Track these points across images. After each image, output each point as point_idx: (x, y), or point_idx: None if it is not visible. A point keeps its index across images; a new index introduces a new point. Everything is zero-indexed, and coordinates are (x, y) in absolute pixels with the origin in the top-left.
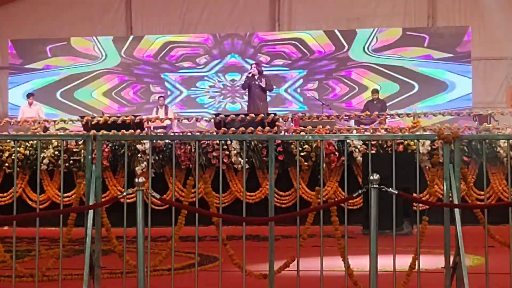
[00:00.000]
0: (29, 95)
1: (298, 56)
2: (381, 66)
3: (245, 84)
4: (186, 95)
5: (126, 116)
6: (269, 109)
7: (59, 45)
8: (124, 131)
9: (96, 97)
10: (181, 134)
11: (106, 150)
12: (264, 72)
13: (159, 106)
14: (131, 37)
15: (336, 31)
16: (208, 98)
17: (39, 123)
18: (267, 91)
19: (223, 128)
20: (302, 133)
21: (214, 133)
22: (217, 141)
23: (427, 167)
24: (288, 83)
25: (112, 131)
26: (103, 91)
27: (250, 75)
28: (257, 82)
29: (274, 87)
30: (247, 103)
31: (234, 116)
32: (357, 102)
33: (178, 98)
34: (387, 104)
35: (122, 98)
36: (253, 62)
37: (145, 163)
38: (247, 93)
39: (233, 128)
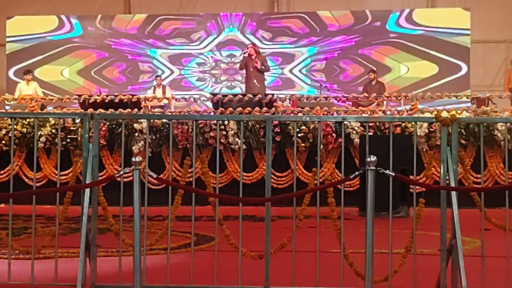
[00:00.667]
0: (26, 72)
1: (306, 32)
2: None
3: (242, 64)
4: (178, 75)
5: (124, 95)
6: (275, 92)
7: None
8: (121, 110)
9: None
10: (178, 113)
11: (103, 129)
12: (266, 50)
13: (156, 86)
14: None
15: None
16: (200, 79)
17: (36, 101)
18: (264, 72)
19: (220, 108)
20: (300, 114)
21: (212, 113)
22: (215, 121)
23: (424, 150)
24: (293, 63)
25: (110, 109)
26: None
27: (246, 55)
28: (254, 63)
29: (273, 67)
30: (244, 84)
31: (231, 96)
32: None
33: (169, 78)
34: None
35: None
36: (250, 42)
37: (142, 142)
38: (244, 74)
39: (230, 109)
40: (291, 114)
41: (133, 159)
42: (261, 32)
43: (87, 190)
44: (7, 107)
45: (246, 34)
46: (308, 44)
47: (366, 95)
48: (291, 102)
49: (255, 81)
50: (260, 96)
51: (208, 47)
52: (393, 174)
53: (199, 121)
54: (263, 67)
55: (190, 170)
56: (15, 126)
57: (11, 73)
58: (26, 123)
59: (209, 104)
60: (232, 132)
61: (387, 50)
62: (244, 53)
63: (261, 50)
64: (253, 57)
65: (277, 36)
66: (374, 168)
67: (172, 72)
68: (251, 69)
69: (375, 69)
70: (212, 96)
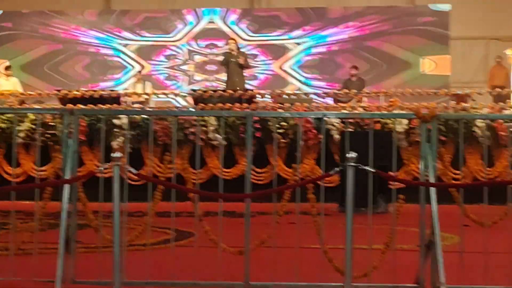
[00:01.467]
0: (7, 68)
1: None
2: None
3: (224, 61)
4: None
5: (103, 91)
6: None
7: None
8: (101, 105)
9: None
10: (158, 109)
11: (83, 124)
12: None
13: (136, 81)
14: None
15: None
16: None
17: (15, 96)
18: (245, 68)
19: (200, 104)
20: (280, 110)
21: (192, 109)
22: (195, 117)
23: (404, 146)
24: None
25: (89, 105)
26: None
27: (230, 51)
28: (235, 59)
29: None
30: (225, 80)
31: (212, 92)
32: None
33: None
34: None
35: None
36: (230, 37)
37: (122, 138)
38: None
39: (210, 104)
40: (272, 110)
41: (113, 154)
42: (246, 23)
43: (67, 186)
44: None
45: (228, 24)
46: (303, 35)
47: (346, 91)
48: (271, 97)
49: (236, 78)
50: (241, 92)
51: (184, 39)
52: (373, 170)
53: (179, 117)
54: (245, 63)
55: (170, 166)
56: None
57: None
58: (5, 118)
59: (190, 100)
60: (212, 128)
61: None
62: (229, 49)
63: (247, 42)
64: (233, 53)
65: (264, 27)
66: (354, 164)
67: (142, 67)
68: (233, 66)
69: (357, 65)
70: (192, 92)
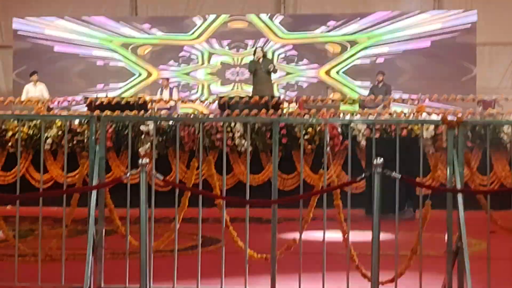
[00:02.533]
0: (32, 74)
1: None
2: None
3: (252, 68)
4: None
5: (130, 97)
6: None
7: None
8: (128, 111)
9: None
10: (185, 116)
11: (110, 130)
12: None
13: (163, 87)
14: None
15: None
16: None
17: (42, 102)
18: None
19: (227, 110)
20: (306, 116)
21: (218, 115)
22: (221, 123)
23: (430, 152)
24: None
25: (116, 111)
26: None
27: (256, 59)
28: (262, 66)
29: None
30: (252, 87)
31: (238, 98)
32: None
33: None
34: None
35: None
36: (259, 46)
37: (148, 144)
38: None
39: (237, 111)
40: (298, 117)
41: (140, 161)
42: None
43: (94, 192)
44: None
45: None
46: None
47: (373, 97)
48: (297, 104)
49: (264, 83)
50: (267, 98)
51: (202, 36)
52: (399, 176)
53: (206, 123)
54: (271, 69)
55: (196, 172)
56: (21, 128)
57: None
58: (32, 125)
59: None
60: (239, 134)
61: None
62: (256, 58)
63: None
64: (260, 60)
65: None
66: (380, 170)
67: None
68: (260, 73)
69: (383, 72)
70: (218, 98)
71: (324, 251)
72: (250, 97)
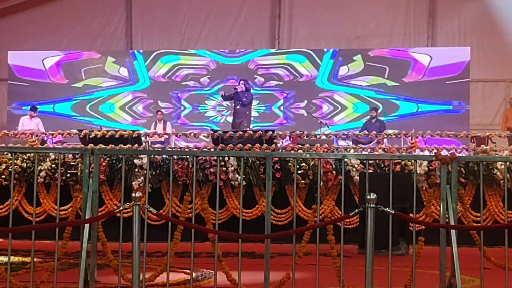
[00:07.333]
0: (32, 108)
1: (290, 78)
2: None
3: (228, 97)
4: (189, 111)
5: (124, 131)
6: (264, 125)
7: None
8: (121, 145)
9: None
10: (179, 149)
11: (104, 164)
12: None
13: (157, 121)
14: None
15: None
16: (210, 112)
17: (36, 135)
18: (246, 105)
19: (221, 145)
20: (300, 151)
21: (212, 149)
22: (215, 157)
23: (424, 188)
24: (280, 102)
25: (110, 145)
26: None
27: (238, 90)
28: (241, 98)
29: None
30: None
31: (232, 132)
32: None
33: (182, 112)
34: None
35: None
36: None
37: (142, 177)
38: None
39: (230, 145)
40: (291, 151)
41: (133, 194)
42: (255, 77)
43: (87, 226)
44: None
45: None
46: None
47: (366, 132)
48: (291, 139)
49: (240, 116)
50: (261, 132)
51: (213, 88)
52: (393, 212)
53: (199, 157)
54: (244, 99)
55: (190, 206)
56: (15, 161)
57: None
58: (26, 157)
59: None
60: (232, 168)
61: None
62: (234, 88)
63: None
64: (240, 93)
65: (269, 80)
66: (374, 205)
67: (185, 108)
68: (237, 105)
69: (377, 107)
70: (212, 132)
71: (317, 286)
72: (244, 131)
